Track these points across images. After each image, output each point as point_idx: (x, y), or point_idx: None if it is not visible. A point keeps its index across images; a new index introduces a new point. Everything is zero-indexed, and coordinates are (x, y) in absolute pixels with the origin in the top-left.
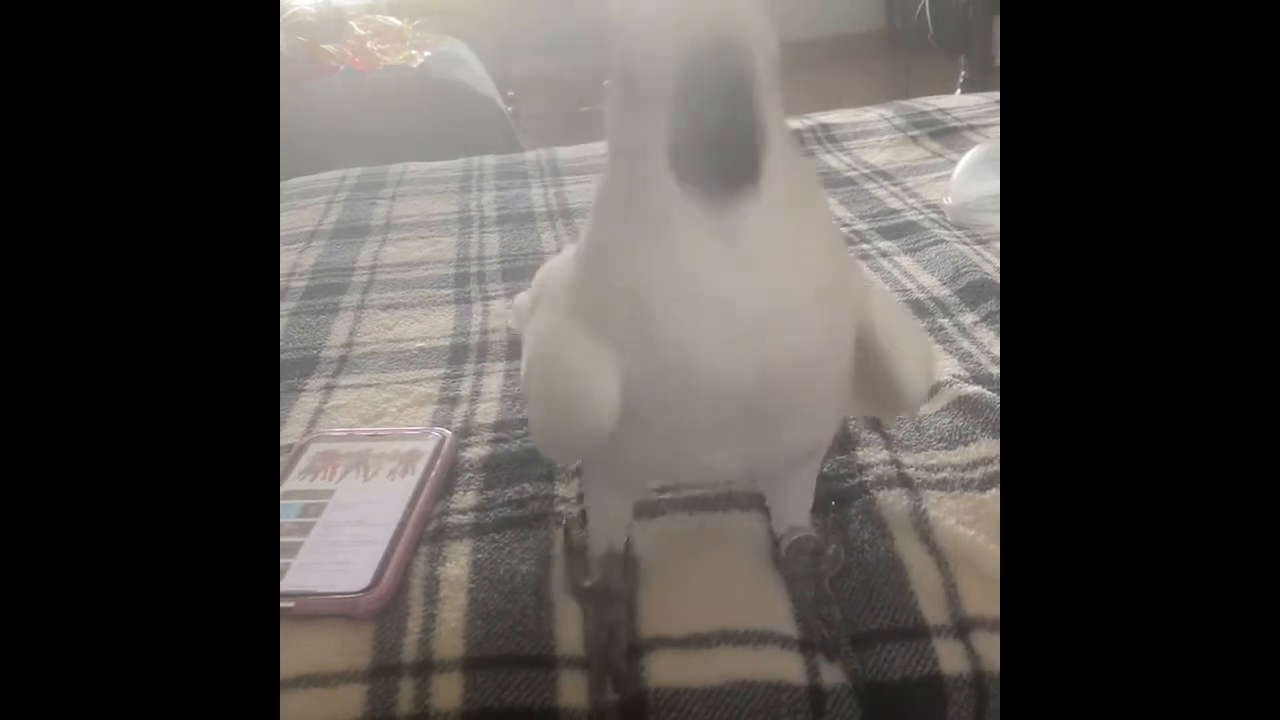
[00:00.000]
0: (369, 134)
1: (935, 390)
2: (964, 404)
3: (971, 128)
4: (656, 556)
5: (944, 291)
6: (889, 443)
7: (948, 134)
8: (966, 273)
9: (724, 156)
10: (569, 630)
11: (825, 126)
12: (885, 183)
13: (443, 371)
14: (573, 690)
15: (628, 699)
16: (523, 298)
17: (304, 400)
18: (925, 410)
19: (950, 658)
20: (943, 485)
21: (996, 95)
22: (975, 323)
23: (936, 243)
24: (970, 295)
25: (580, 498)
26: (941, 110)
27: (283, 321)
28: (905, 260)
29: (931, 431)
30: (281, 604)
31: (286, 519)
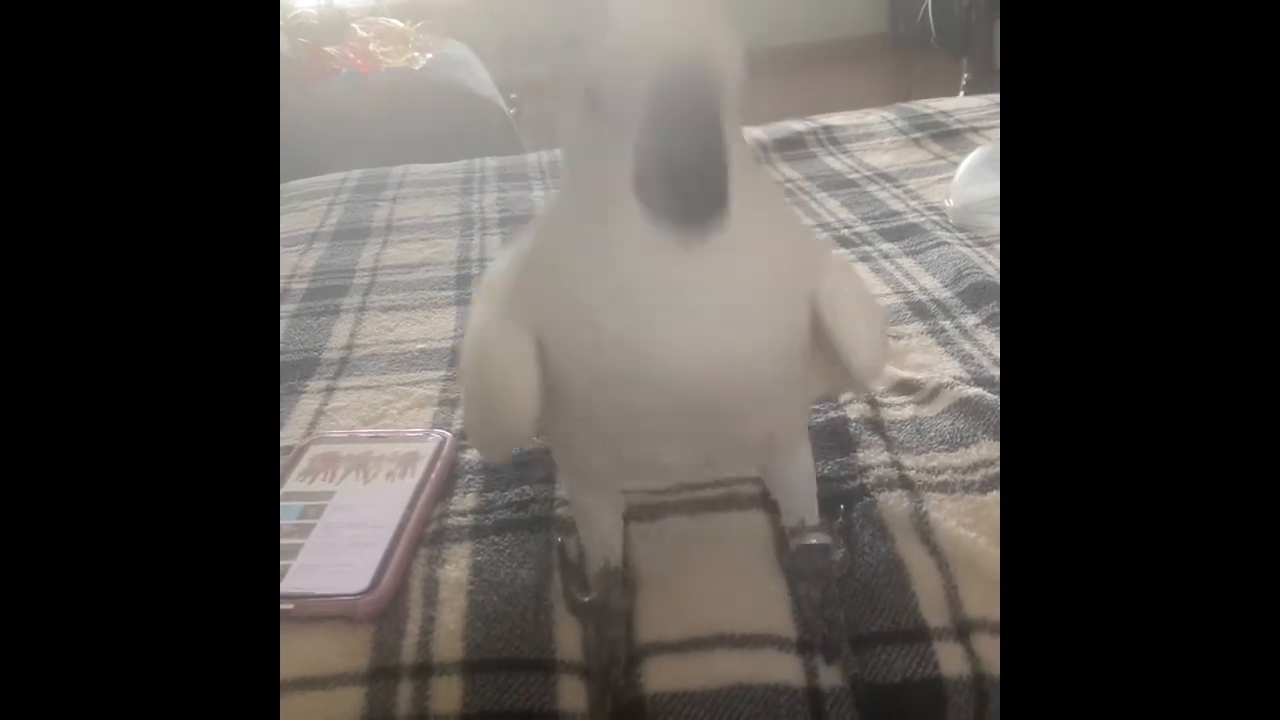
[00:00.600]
0: (371, 136)
1: (936, 392)
2: (965, 406)
3: (974, 130)
4: (654, 560)
5: (946, 294)
6: (890, 445)
7: (950, 136)
8: (968, 275)
9: (692, 194)
10: (568, 634)
11: (828, 128)
12: (887, 185)
13: (443, 373)
14: (572, 694)
15: (625, 706)
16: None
17: (304, 402)
18: (926, 412)
19: (950, 660)
20: (943, 487)
21: (998, 98)
22: (977, 325)
23: (938, 245)
24: (972, 297)
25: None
26: (944, 113)
27: (283, 323)
28: (907, 262)
29: (932, 433)
30: (281, 606)
31: (286, 521)
